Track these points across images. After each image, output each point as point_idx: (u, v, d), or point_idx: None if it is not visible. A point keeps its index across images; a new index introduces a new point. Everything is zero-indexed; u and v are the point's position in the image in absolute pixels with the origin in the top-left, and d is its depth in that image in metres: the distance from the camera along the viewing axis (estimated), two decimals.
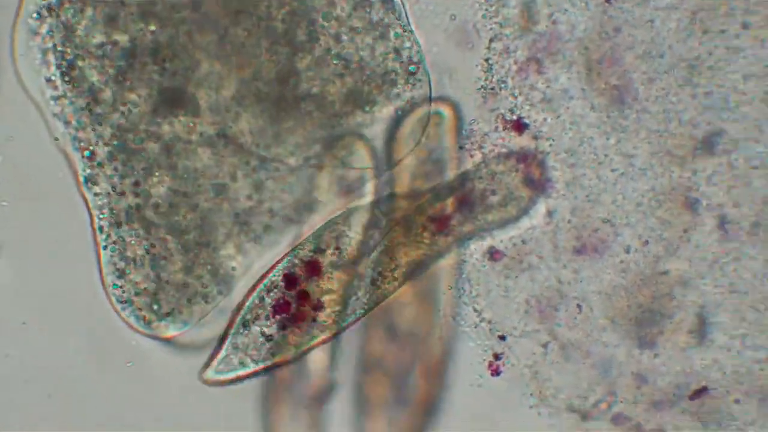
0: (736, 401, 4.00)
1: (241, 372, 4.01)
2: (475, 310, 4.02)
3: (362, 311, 4.00)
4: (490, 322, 4.03)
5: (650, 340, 4.00)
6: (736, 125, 3.92)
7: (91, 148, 3.90)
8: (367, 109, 3.92)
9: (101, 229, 3.94)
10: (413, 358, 4.07)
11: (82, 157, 3.91)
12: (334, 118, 3.92)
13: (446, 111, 3.98)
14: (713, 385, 4.01)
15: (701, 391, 4.01)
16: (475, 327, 4.04)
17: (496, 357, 4.03)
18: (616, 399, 4.01)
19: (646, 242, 3.96)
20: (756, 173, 3.93)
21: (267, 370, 4.03)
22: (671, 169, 3.94)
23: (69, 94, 3.89)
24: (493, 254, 4.00)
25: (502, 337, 4.03)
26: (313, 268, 3.94)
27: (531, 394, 4.06)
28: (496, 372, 4.03)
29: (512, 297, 4.01)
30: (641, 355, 4.01)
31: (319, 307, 3.96)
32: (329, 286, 3.96)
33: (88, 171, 3.91)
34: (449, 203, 3.95)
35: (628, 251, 3.96)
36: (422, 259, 3.99)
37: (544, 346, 4.02)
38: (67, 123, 3.90)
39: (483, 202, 3.95)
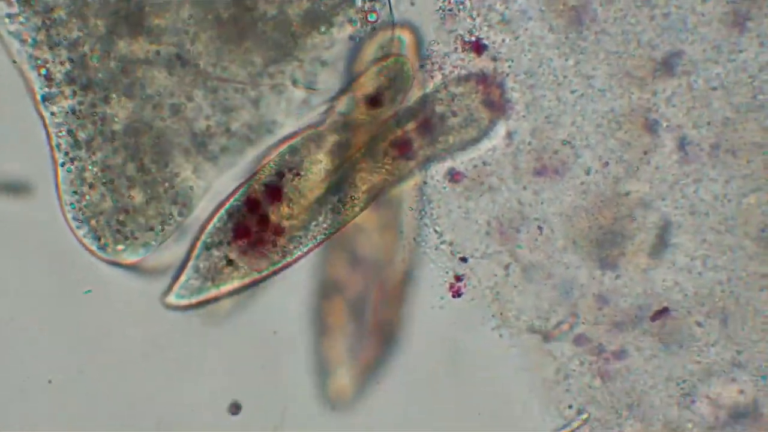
0: (698, 324, 4.01)
1: (203, 296, 4.03)
2: (436, 232, 4.05)
3: (323, 236, 4.03)
4: (451, 244, 4.06)
5: (611, 262, 4.02)
6: (695, 46, 3.93)
7: (47, 66, 3.93)
8: (323, 30, 3.96)
9: (59, 146, 3.96)
10: (374, 283, 4.10)
11: (39, 75, 3.94)
12: (291, 39, 3.95)
13: (406, 35, 4.01)
14: (675, 307, 4.02)
15: (662, 312, 4.02)
16: (436, 249, 4.07)
17: (458, 279, 4.06)
18: (578, 320, 4.04)
19: (606, 163, 3.98)
20: (715, 94, 3.94)
21: (229, 293, 4.05)
22: (631, 91, 3.95)
23: (24, 13, 3.91)
24: (453, 176, 4.02)
25: (464, 259, 4.05)
26: (274, 193, 3.98)
27: (493, 316, 4.08)
28: (457, 294, 4.06)
29: (473, 218, 4.04)
30: (603, 277, 4.03)
31: (279, 231, 3.99)
32: (290, 211, 3.99)
33: (45, 90, 3.94)
34: (410, 127, 3.98)
35: (588, 173, 3.98)
36: (383, 184, 4.02)
37: (506, 267, 4.04)
38: (23, 41, 3.93)
39: (443, 124, 3.98)
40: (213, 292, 4.06)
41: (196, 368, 4.13)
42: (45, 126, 3.97)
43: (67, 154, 3.97)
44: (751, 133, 3.94)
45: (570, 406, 4.11)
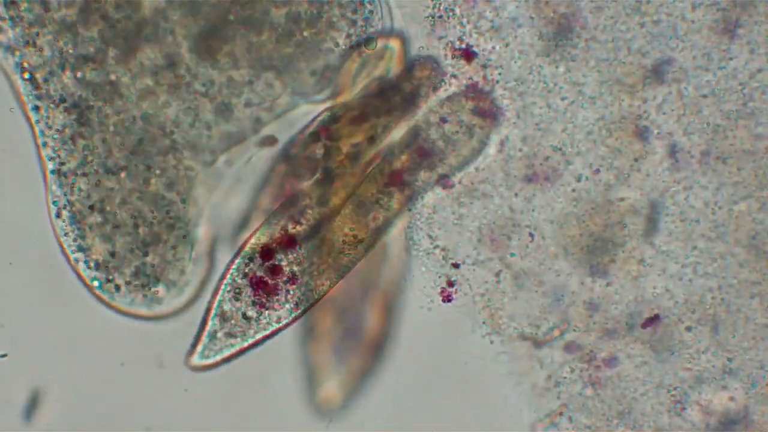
0: (688, 329, 4.01)
1: (227, 353, 4.01)
2: (430, 237, 4.05)
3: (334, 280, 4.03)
4: (443, 249, 4.06)
5: (602, 269, 4.01)
6: (686, 53, 3.93)
7: (31, 71, 3.92)
8: (306, 35, 3.95)
9: (45, 144, 3.96)
10: (362, 293, 4.08)
11: (23, 79, 3.92)
12: (276, 44, 3.95)
13: (394, 43, 4.01)
14: (665, 314, 4.01)
15: (653, 320, 4.02)
16: (428, 254, 4.06)
17: (450, 284, 4.05)
18: (568, 326, 4.04)
19: (597, 171, 3.98)
20: (705, 102, 3.94)
21: (251, 347, 4.04)
22: (621, 98, 3.96)
23: (10, 20, 3.91)
24: (444, 183, 4.02)
25: (456, 265, 4.05)
26: (289, 241, 3.96)
27: (483, 323, 4.08)
28: (447, 299, 4.05)
29: (465, 225, 4.04)
30: (593, 284, 4.02)
31: (293, 280, 3.97)
32: (299, 258, 3.97)
33: (33, 98, 3.92)
34: (404, 158, 3.97)
35: (579, 180, 3.98)
36: (390, 219, 4.01)
37: (497, 274, 4.04)
38: (7, 48, 3.93)
39: (438, 150, 3.98)
40: (236, 348, 4.03)
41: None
42: (30, 123, 3.96)
43: (57, 155, 3.96)
44: (742, 141, 3.94)
45: (561, 414, 4.10)
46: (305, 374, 4.09)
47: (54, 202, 3.98)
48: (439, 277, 4.04)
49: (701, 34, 3.91)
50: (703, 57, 3.92)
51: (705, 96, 3.92)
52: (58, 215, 3.97)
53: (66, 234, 3.98)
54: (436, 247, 4.04)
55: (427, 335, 4.08)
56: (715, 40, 3.91)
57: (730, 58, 3.91)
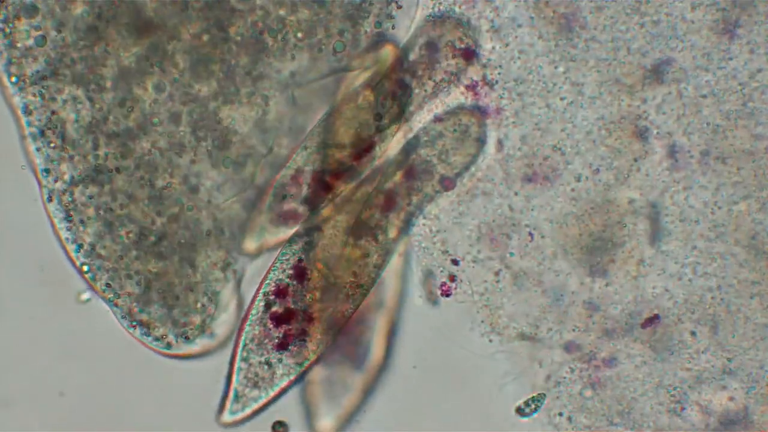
0: (692, 333, 4.01)
1: (257, 405, 4.02)
2: (431, 232, 4.05)
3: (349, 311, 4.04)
4: (443, 243, 4.06)
5: (602, 269, 4.02)
6: (685, 54, 3.94)
7: (17, 71, 3.91)
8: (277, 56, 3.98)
9: (33, 136, 3.94)
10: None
11: (11, 83, 3.90)
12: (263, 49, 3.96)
13: (388, 49, 4.01)
14: (665, 314, 4.02)
15: (653, 320, 4.02)
16: (427, 248, 4.06)
17: (452, 279, 4.05)
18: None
19: (597, 170, 3.98)
20: (705, 102, 3.94)
21: (280, 393, 4.05)
22: (620, 98, 3.96)
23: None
24: (444, 182, 4.03)
25: (455, 262, 4.05)
26: (300, 274, 3.96)
27: (482, 322, 4.08)
28: (446, 293, 4.05)
29: (465, 223, 4.04)
30: (593, 284, 4.02)
31: (309, 320, 3.97)
32: (312, 297, 3.97)
33: (20, 96, 3.91)
34: (397, 178, 3.98)
35: (578, 179, 3.98)
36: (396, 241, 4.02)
37: (496, 274, 4.04)
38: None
39: (428, 169, 3.98)
40: (265, 398, 4.03)
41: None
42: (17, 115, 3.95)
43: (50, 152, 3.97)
44: (741, 141, 3.95)
45: (560, 414, 4.10)
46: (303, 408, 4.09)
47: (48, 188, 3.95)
48: (441, 271, 4.04)
49: (701, 34, 3.92)
50: (702, 57, 3.92)
51: (705, 96, 3.93)
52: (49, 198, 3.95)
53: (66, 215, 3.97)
54: (436, 242, 4.04)
55: (426, 334, 4.07)
56: (714, 40, 3.91)
57: (730, 58, 3.91)
